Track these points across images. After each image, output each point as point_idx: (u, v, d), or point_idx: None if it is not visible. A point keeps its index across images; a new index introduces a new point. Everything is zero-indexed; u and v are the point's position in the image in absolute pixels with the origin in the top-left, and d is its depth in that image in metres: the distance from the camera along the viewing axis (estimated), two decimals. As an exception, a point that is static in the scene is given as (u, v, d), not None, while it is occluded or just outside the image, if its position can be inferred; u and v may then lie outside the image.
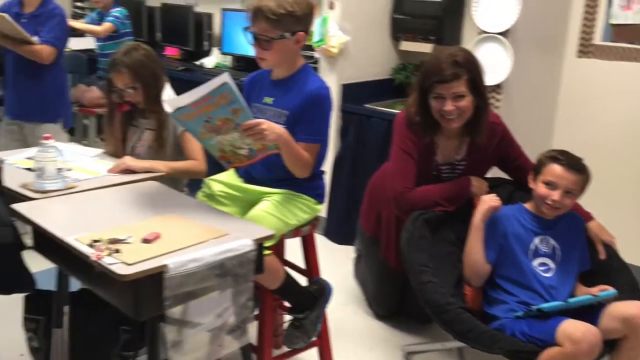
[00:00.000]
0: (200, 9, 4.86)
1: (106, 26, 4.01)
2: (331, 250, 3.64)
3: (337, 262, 3.43)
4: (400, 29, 3.76)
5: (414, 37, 3.67)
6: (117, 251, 1.55)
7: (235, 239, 1.69)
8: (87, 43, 4.60)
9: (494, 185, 2.44)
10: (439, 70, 2.18)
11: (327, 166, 3.72)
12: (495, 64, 3.03)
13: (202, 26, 4.68)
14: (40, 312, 2.17)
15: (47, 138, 1.98)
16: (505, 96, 3.21)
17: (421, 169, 2.35)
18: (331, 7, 3.48)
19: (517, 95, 3.26)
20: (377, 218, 2.71)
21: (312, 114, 1.98)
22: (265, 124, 1.81)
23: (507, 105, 3.19)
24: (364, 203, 2.83)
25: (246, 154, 1.90)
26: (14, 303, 2.17)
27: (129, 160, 2.22)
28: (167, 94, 2.07)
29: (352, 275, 3.17)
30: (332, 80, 3.59)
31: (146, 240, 1.63)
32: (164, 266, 1.52)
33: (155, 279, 1.52)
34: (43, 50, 3.02)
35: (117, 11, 4.09)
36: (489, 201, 2.22)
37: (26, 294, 2.15)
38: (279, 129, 1.88)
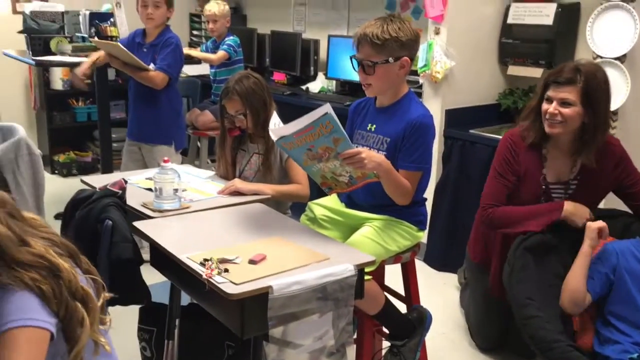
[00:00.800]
0: (307, 35, 5.02)
1: (220, 54, 4.24)
2: (431, 276, 3.60)
3: (437, 289, 3.39)
4: (508, 54, 3.69)
5: (523, 61, 3.59)
6: (225, 270, 1.64)
7: (336, 263, 1.73)
8: (202, 69, 4.87)
9: (608, 216, 2.32)
10: (559, 73, 2.21)
11: (429, 192, 3.68)
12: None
13: (308, 52, 4.83)
14: (153, 323, 2.31)
15: (165, 161, 2.13)
16: (621, 123, 3.05)
17: (527, 189, 2.31)
18: (437, 32, 3.49)
19: (634, 123, 3.09)
20: (484, 244, 2.66)
21: (414, 142, 1.99)
22: (365, 153, 1.84)
23: (623, 132, 3.03)
24: (473, 228, 2.79)
25: (346, 181, 1.95)
26: (130, 314, 2.32)
27: (238, 183, 2.33)
28: (274, 122, 2.16)
29: (453, 303, 3.11)
30: (436, 106, 3.57)
31: (252, 262, 1.70)
32: (269, 287, 1.58)
33: (260, 299, 1.58)
34: (157, 76, 3.24)
35: (230, 40, 4.31)
36: (595, 226, 2.12)
37: (141, 305, 2.30)
38: (379, 157, 1.91)
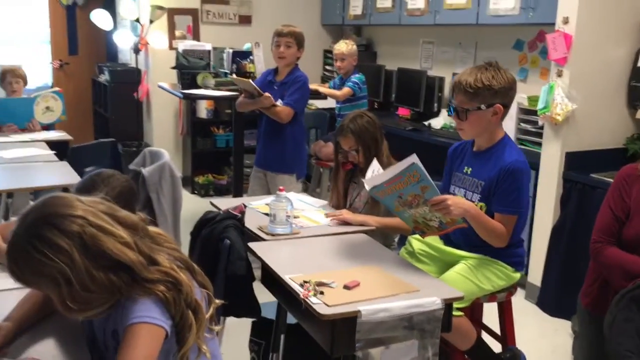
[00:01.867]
0: (433, 72, 5.14)
1: (344, 91, 4.50)
2: (544, 321, 3.52)
3: (548, 335, 3.32)
4: (638, 97, 3.57)
5: (654, 105, 3.47)
6: (321, 293, 1.82)
7: (425, 295, 1.84)
8: (330, 103, 5.17)
9: None
10: None
11: (545, 234, 3.64)
12: None
13: (433, 89, 4.95)
14: (263, 336, 2.54)
15: (281, 190, 2.37)
16: None
17: (635, 227, 2.23)
18: (559, 75, 3.47)
19: None
20: (597, 290, 2.60)
21: (508, 186, 2.06)
22: (451, 200, 1.95)
23: None
24: (587, 272, 2.74)
25: (437, 226, 2.07)
26: (243, 326, 2.57)
27: (346, 214, 2.52)
28: (373, 169, 2.32)
29: (563, 351, 3.04)
30: (556, 148, 3.54)
31: (347, 287, 1.87)
32: (358, 312, 1.73)
33: (350, 321, 1.74)
34: (283, 111, 3.54)
35: (356, 77, 4.56)
36: None
37: (253, 319, 2.54)
38: (465, 204, 2.00)
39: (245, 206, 2.36)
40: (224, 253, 2.15)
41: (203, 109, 5.77)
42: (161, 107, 5.84)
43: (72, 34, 7.09)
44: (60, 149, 3.87)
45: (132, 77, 5.93)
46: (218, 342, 1.68)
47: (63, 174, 3.30)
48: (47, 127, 4.45)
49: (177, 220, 3.36)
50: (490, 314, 2.47)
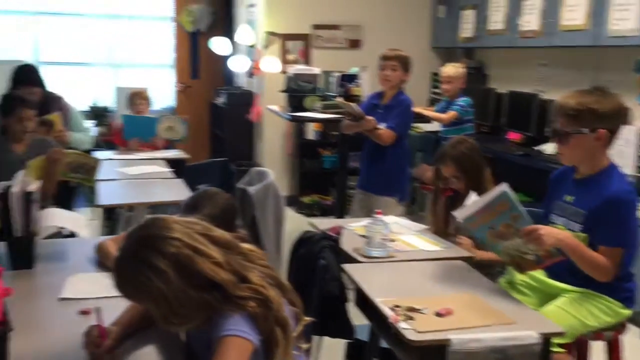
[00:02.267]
0: (548, 95, 4.95)
1: (450, 114, 4.44)
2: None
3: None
4: None
5: None
6: (411, 318, 1.80)
7: (522, 329, 1.77)
8: (436, 126, 5.12)
9: None
10: None
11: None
12: None
13: (545, 113, 4.76)
14: (356, 358, 2.55)
15: (378, 213, 2.39)
16: None
17: None
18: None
19: None
20: None
21: (612, 218, 1.94)
22: (543, 229, 1.87)
23: None
24: None
25: (533, 259, 1.98)
26: (339, 347, 2.59)
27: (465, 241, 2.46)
28: (472, 199, 2.28)
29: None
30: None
31: (439, 314, 1.84)
32: (448, 340, 1.70)
33: (439, 350, 1.71)
34: (385, 134, 3.55)
35: (462, 100, 4.49)
36: None
37: (347, 340, 2.56)
38: (560, 234, 1.91)
39: (341, 228, 2.40)
40: (319, 273, 2.19)
41: (311, 131, 5.91)
42: (271, 129, 6.07)
43: (194, 59, 7.56)
44: (177, 166, 4.13)
45: (246, 100, 6.22)
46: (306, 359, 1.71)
47: (178, 191, 3.51)
48: (168, 147, 4.77)
49: (280, 238, 3.46)
50: (599, 354, 2.31)
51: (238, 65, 6.21)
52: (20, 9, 7.59)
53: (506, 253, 2.05)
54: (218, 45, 6.01)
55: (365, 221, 2.80)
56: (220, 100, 6.71)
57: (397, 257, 2.38)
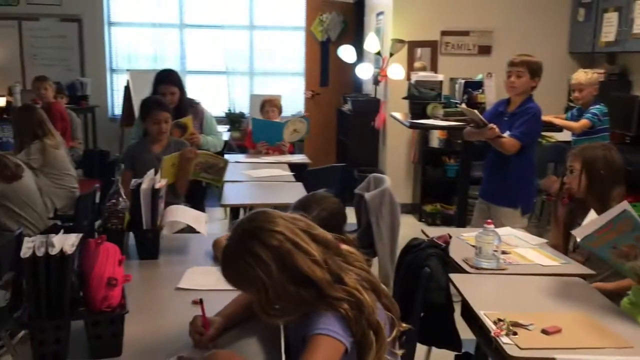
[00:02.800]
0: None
1: (582, 123, 4.17)
2: None
3: None
4: None
5: None
6: (514, 333, 1.73)
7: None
8: (568, 135, 4.83)
9: None
10: None
11: None
12: None
13: (697, 123, 4.33)
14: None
15: (488, 223, 2.32)
16: None
17: None
18: None
19: None
20: None
21: None
22: None
23: None
24: None
25: None
26: (447, 357, 2.54)
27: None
28: (590, 217, 2.13)
29: None
30: None
31: (545, 331, 1.75)
32: (553, 359, 1.61)
33: (543, 369, 1.63)
34: (507, 142, 3.41)
35: (595, 108, 4.20)
36: None
37: (455, 353, 2.49)
38: None
39: (450, 237, 2.36)
40: (423, 280, 2.17)
41: (435, 139, 5.83)
42: (395, 136, 6.06)
43: (324, 67, 7.75)
44: (299, 171, 4.27)
45: (371, 107, 6.28)
46: None
47: (296, 194, 3.62)
48: (293, 152, 4.95)
49: (394, 245, 3.45)
50: None
51: (363, 72, 6.29)
52: (169, 22, 8.24)
53: (634, 272, 1.92)
54: (345, 53, 6.12)
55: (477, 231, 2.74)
56: (347, 107, 6.82)
57: (508, 269, 2.29)
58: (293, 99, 8.32)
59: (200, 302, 1.65)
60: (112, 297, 1.59)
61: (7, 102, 7.04)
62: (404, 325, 1.63)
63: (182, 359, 1.52)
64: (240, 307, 1.71)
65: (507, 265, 2.32)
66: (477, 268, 2.29)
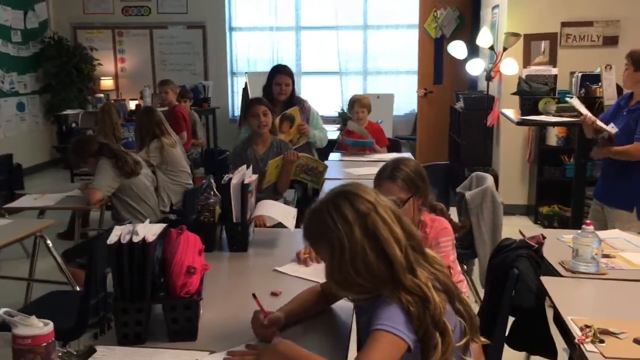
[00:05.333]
0: None
1: None
2: None
3: None
4: None
5: None
6: (601, 341, 1.61)
7: None
8: None
9: None
10: None
11: None
12: None
13: None
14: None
15: (588, 224, 2.16)
16: None
17: None
18: None
19: None
20: None
21: None
22: None
23: None
24: None
25: None
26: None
27: None
28: None
29: None
30: None
31: (637, 341, 1.61)
32: (642, 371, 1.48)
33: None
34: (631, 150, 3.13)
35: None
36: None
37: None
38: None
39: (544, 237, 2.22)
40: (511, 282, 2.06)
41: (553, 136, 5.52)
42: (510, 134, 5.80)
43: (438, 65, 7.61)
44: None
45: (484, 104, 6.06)
46: None
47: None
48: (394, 148, 4.92)
49: (494, 244, 3.32)
50: None
51: (474, 68, 6.09)
52: (285, 25, 8.50)
53: None
54: (456, 49, 5.97)
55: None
56: (459, 104, 6.65)
57: (608, 274, 2.12)
58: (406, 98, 8.27)
59: (254, 297, 1.68)
60: (191, 284, 1.68)
61: (137, 105, 7.61)
62: (482, 339, 1.56)
63: (249, 346, 1.57)
64: (303, 303, 1.73)
65: (609, 270, 2.15)
66: (573, 272, 2.14)
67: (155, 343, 1.61)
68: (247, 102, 3.73)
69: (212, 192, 2.32)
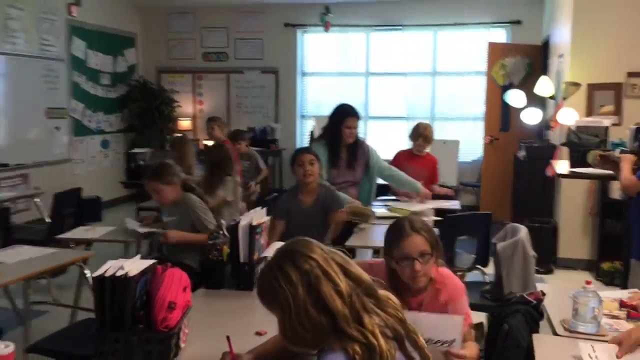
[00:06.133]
0: None
1: None
2: None
3: None
4: None
5: None
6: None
7: None
8: None
9: None
10: None
11: None
12: None
13: None
14: None
15: (588, 283, 2.09)
16: None
17: None
18: None
19: None
20: None
21: None
22: None
23: None
24: None
25: None
26: None
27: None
28: None
29: None
30: None
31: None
32: None
33: None
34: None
35: None
36: None
37: None
38: None
39: (543, 294, 2.17)
40: (501, 337, 2.03)
41: (616, 189, 5.27)
42: (571, 185, 5.59)
43: (505, 112, 7.49)
44: (444, 215, 4.18)
45: (546, 154, 5.90)
46: None
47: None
48: (450, 197, 4.87)
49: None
50: None
51: (531, 117, 5.98)
52: (355, 70, 8.69)
53: None
54: (514, 97, 5.89)
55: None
56: (521, 153, 6.50)
57: (608, 336, 2.02)
58: (472, 144, 8.18)
59: (228, 339, 1.74)
60: (171, 319, 1.79)
61: (204, 144, 7.98)
62: None
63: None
64: (272, 347, 1.78)
65: (611, 332, 2.06)
66: (570, 331, 2.07)
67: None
68: (294, 152, 3.87)
69: (221, 232, 2.44)
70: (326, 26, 8.43)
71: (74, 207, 5.04)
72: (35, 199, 5.65)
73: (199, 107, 9.38)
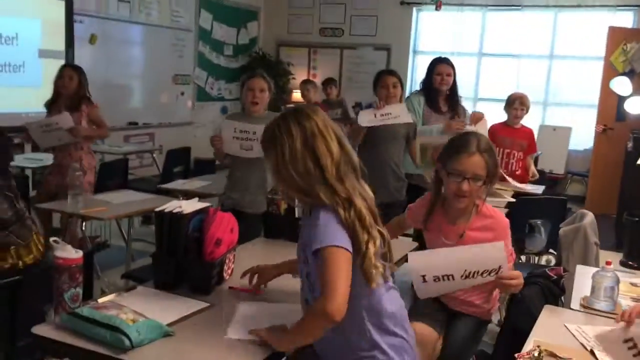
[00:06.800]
0: None
1: None
2: None
3: None
4: None
5: None
6: (539, 362, 1.70)
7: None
8: None
9: None
10: None
11: None
12: None
13: None
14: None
15: (608, 263, 2.16)
16: None
17: None
18: None
19: None
20: None
21: None
22: None
23: None
24: None
25: None
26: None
27: None
28: None
29: None
30: None
31: (577, 370, 1.67)
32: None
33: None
34: None
35: None
36: None
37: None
38: None
39: (565, 270, 2.26)
40: (514, 305, 2.16)
41: None
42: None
43: (622, 100, 7.11)
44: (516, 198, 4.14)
45: (654, 145, 5.64)
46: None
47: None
48: (537, 181, 4.78)
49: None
50: None
51: (634, 106, 5.69)
52: (468, 50, 8.62)
53: None
54: (619, 85, 5.65)
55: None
56: (630, 144, 6.22)
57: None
58: (584, 132, 7.86)
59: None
60: (217, 252, 2.13)
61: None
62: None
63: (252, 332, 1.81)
64: (292, 263, 2.07)
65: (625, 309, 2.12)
66: (588, 307, 2.16)
67: (183, 291, 2.07)
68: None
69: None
70: (437, 5, 8.43)
71: (184, 165, 5.62)
72: (154, 155, 6.33)
73: (313, 80, 9.76)
